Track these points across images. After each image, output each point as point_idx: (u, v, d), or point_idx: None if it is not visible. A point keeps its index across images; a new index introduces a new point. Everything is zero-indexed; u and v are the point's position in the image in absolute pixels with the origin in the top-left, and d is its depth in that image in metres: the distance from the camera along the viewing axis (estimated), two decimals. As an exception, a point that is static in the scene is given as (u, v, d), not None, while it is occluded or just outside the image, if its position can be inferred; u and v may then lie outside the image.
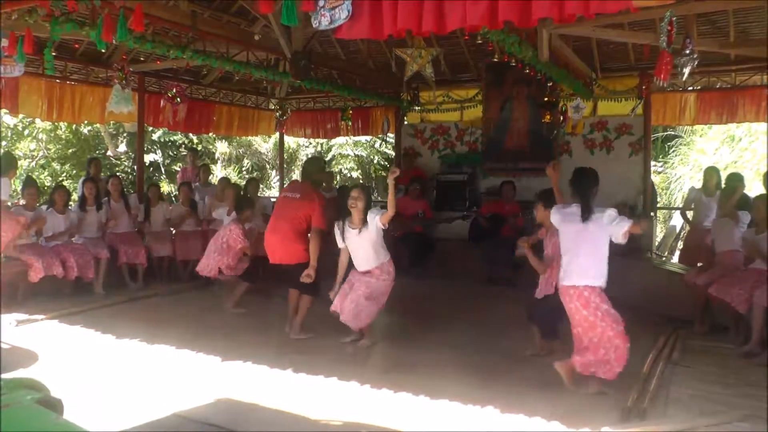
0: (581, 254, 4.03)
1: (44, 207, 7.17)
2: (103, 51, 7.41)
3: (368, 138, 16.95)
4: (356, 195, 5.08)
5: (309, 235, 5.52)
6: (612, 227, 3.93)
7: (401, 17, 3.63)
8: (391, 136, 13.85)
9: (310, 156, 14.34)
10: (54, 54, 6.00)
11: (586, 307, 3.99)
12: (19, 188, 10.33)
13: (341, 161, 18.07)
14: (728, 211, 5.97)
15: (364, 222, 5.06)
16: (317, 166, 6.19)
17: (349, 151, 17.86)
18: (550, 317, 4.63)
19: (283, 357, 4.85)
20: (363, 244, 5.11)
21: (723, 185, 7.01)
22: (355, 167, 18.08)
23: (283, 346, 5.24)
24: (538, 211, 4.71)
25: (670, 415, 3.75)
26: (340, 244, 5.26)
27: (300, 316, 5.51)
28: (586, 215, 4.00)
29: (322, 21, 3.81)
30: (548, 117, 8.53)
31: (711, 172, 7.59)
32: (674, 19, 4.57)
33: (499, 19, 3.47)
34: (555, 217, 4.25)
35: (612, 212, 3.96)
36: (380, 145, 18.03)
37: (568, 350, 4.26)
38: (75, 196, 10.06)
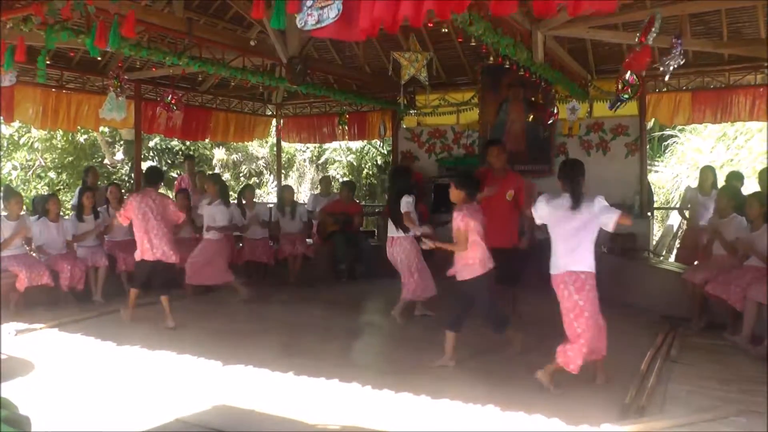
0: (574, 242, 4.09)
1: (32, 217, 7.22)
2: (99, 59, 7.43)
3: (362, 143, 16.85)
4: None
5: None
6: (602, 216, 4.01)
7: (377, 11, 3.42)
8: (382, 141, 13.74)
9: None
10: (49, 62, 5.99)
11: (580, 291, 4.05)
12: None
13: (334, 164, 18.07)
14: (724, 213, 5.92)
15: None
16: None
17: (341, 156, 17.80)
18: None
19: (284, 361, 4.86)
20: None
21: (723, 183, 7.00)
22: (347, 173, 18.01)
23: (284, 350, 5.25)
24: (452, 191, 4.71)
25: (668, 411, 3.78)
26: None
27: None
28: (576, 204, 4.07)
29: (309, 21, 3.74)
30: (531, 117, 8.62)
31: (707, 171, 7.62)
32: (656, 18, 4.61)
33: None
34: (542, 207, 4.28)
35: (601, 200, 4.04)
36: (370, 151, 17.84)
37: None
38: (71, 205, 10.05)
